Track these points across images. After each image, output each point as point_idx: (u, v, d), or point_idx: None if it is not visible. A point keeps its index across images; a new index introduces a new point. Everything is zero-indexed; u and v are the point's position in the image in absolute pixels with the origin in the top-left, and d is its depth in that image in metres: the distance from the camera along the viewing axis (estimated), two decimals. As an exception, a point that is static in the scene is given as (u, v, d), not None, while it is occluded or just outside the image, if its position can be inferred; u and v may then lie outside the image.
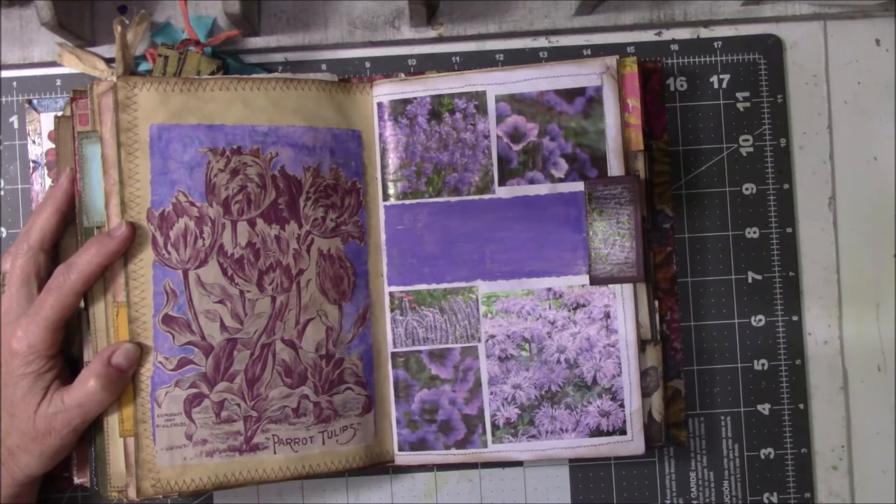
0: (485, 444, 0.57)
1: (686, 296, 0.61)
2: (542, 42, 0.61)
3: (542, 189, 0.57)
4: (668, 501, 0.61)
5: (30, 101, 0.59)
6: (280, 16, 0.59)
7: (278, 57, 0.60)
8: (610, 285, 0.56)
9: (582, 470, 0.61)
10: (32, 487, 0.55)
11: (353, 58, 0.61)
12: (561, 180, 0.57)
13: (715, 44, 0.61)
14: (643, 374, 0.57)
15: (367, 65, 0.61)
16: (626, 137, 0.56)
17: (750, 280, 0.61)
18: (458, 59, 0.61)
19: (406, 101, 0.57)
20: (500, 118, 0.57)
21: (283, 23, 0.59)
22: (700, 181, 0.61)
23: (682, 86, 0.61)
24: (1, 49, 0.59)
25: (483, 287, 0.57)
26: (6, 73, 0.60)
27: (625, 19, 0.60)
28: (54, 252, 0.55)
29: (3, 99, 0.60)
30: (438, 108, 0.57)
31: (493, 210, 0.57)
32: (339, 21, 0.60)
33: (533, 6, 0.60)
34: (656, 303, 0.58)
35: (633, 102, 0.56)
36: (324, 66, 0.60)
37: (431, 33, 0.60)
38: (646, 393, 0.57)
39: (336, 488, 0.60)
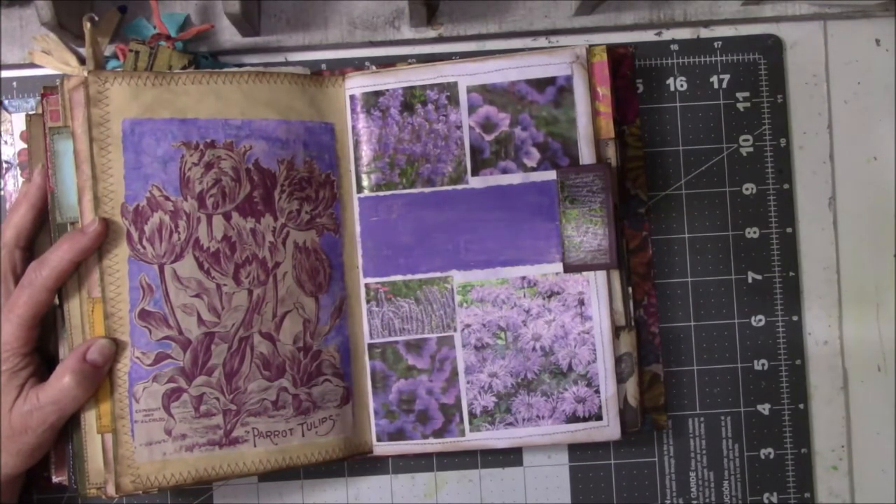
0: (462, 433, 0.57)
1: (686, 296, 0.61)
2: (542, 42, 0.61)
3: (515, 178, 0.57)
4: (668, 501, 0.61)
5: (0, 103, 0.59)
6: (280, 16, 0.59)
7: (278, 57, 0.60)
8: (583, 273, 0.57)
9: (582, 470, 0.61)
10: (12, 487, 0.54)
11: (353, 58, 0.61)
12: (533, 169, 0.57)
13: (715, 44, 0.61)
14: (618, 360, 0.57)
15: (367, 65, 0.61)
16: (597, 126, 0.57)
17: (750, 280, 0.61)
18: (457, 58, 0.60)
19: (378, 94, 0.58)
20: (471, 109, 0.57)
21: (283, 23, 0.59)
22: (700, 181, 0.61)
23: (682, 86, 0.61)
24: (1, 49, 0.58)
25: (458, 277, 0.58)
26: (6, 74, 0.59)
27: (625, 19, 0.60)
28: (31, 249, 0.55)
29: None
30: (410, 99, 0.58)
31: (466, 200, 0.58)
32: (339, 21, 0.60)
33: (533, 6, 0.60)
34: (630, 289, 0.58)
35: (604, 91, 0.57)
36: (324, 66, 0.60)
37: (431, 33, 0.60)
38: (621, 379, 0.57)
39: (336, 488, 0.60)
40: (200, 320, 0.54)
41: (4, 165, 0.59)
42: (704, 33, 0.62)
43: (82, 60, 0.58)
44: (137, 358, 0.53)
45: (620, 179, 0.59)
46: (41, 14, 0.53)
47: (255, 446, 0.54)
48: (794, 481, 0.61)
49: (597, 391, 0.57)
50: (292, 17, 0.59)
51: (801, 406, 0.61)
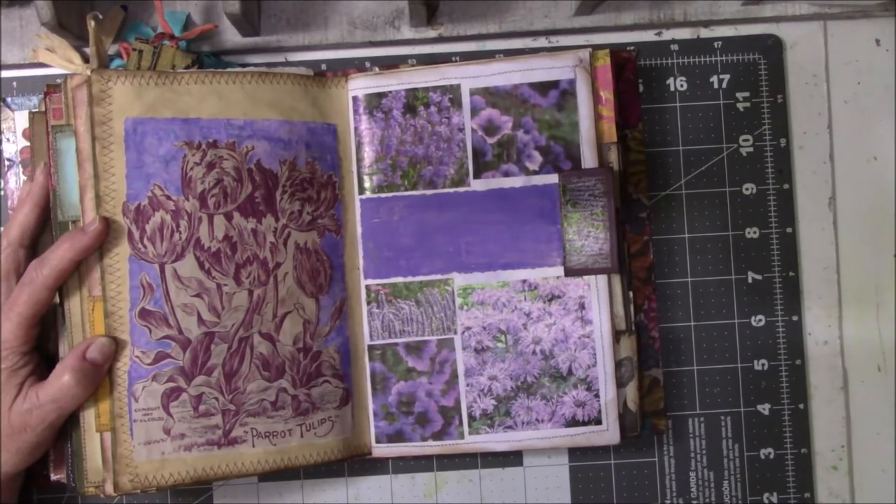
0: (461, 436, 0.57)
1: (686, 296, 0.61)
2: (542, 42, 0.61)
3: (517, 182, 0.57)
4: (668, 501, 0.61)
5: (3, 100, 0.59)
6: (280, 16, 0.59)
7: (278, 57, 0.60)
8: (584, 277, 0.57)
9: (582, 470, 0.61)
10: (12, 485, 0.54)
11: (353, 58, 0.61)
12: (535, 173, 0.57)
13: (715, 44, 0.61)
14: (618, 364, 0.57)
15: (368, 65, 0.61)
16: (600, 129, 0.57)
17: (750, 280, 0.61)
18: (458, 59, 0.60)
19: (381, 95, 0.57)
20: (474, 111, 0.57)
21: (283, 23, 0.59)
22: (700, 181, 0.61)
23: (682, 86, 0.61)
24: (1, 49, 0.58)
25: (459, 279, 0.58)
26: (6, 73, 0.60)
27: (625, 19, 0.60)
28: (34, 247, 0.55)
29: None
30: (413, 101, 0.57)
31: (468, 203, 0.57)
32: (339, 21, 0.60)
33: (533, 6, 0.60)
34: (631, 293, 0.58)
35: (607, 95, 0.57)
36: (324, 66, 0.60)
37: (431, 33, 0.60)
38: (621, 383, 0.57)
39: (336, 488, 0.60)
40: (200, 320, 0.54)
41: (7, 163, 0.59)
42: (704, 33, 0.62)
43: (86, 59, 0.58)
44: (137, 357, 0.53)
45: (622, 183, 0.58)
46: (41, 14, 0.53)
47: (253, 447, 0.54)
48: (794, 481, 0.61)
49: (596, 395, 0.57)
50: (292, 17, 0.59)
51: (801, 406, 0.61)
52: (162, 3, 0.56)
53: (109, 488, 0.52)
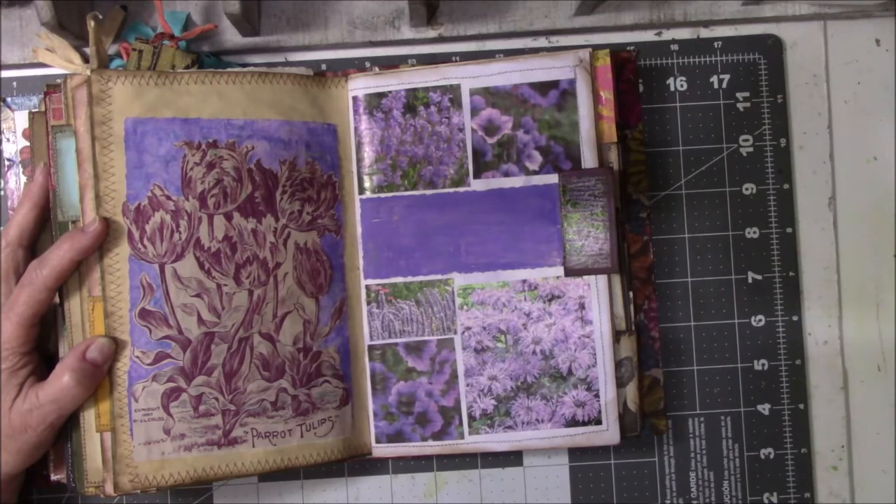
0: (461, 436, 0.57)
1: (686, 296, 0.61)
2: (542, 42, 0.61)
3: (517, 182, 0.57)
4: (668, 501, 0.61)
5: (3, 100, 0.59)
6: (280, 16, 0.59)
7: (278, 57, 0.60)
8: (584, 277, 0.57)
9: (582, 470, 0.61)
10: (12, 485, 0.54)
11: (353, 58, 0.61)
12: (535, 173, 0.57)
13: (715, 44, 0.61)
14: (618, 364, 0.57)
15: (368, 65, 0.61)
16: (600, 129, 0.57)
17: (750, 280, 0.61)
18: (458, 59, 0.60)
19: (381, 95, 0.57)
20: (474, 111, 0.57)
21: (283, 23, 0.59)
22: (700, 181, 0.61)
23: (682, 86, 0.61)
24: (1, 49, 0.58)
25: (459, 279, 0.58)
26: (6, 73, 0.60)
27: (625, 19, 0.60)
28: (33, 248, 0.55)
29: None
30: (413, 101, 0.58)
31: (468, 203, 0.57)
32: (339, 21, 0.60)
33: (533, 6, 0.60)
34: (631, 294, 0.58)
35: (607, 95, 0.57)
36: (324, 66, 0.60)
37: (431, 33, 0.60)
38: (621, 383, 0.57)
39: (336, 488, 0.60)
40: (200, 320, 0.54)
41: (7, 163, 0.59)
42: (704, 33, 0.62)
43: (86, 59, 0.58)
44: (137, 357, 0.53)
45: (622, 183, 0.58)
46: (41, 14, 0.53)
47: (253, 447, 0.54)
48: (794, 481, 0.61)
49: (596, 395, 0.57)
50: (292, 17, 0.59)
51: (801, 406, 0.61)
52: (162, 3, 0.56)
53: (109, 488, 0.52)
